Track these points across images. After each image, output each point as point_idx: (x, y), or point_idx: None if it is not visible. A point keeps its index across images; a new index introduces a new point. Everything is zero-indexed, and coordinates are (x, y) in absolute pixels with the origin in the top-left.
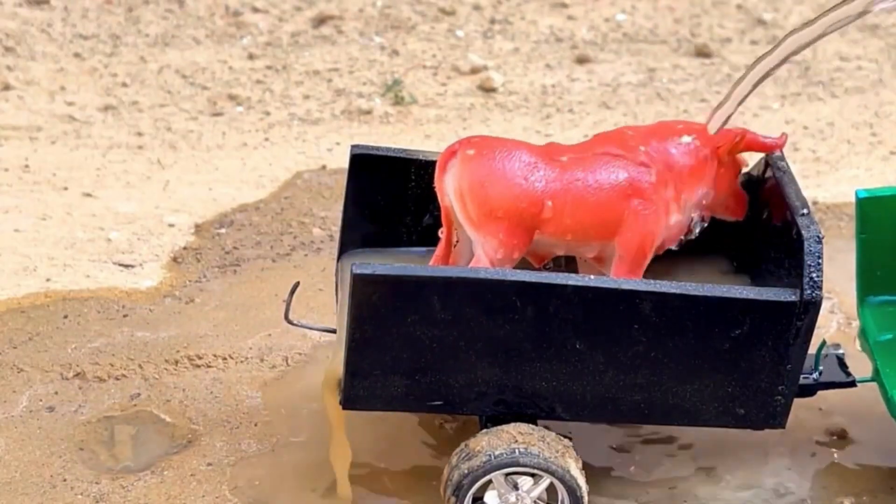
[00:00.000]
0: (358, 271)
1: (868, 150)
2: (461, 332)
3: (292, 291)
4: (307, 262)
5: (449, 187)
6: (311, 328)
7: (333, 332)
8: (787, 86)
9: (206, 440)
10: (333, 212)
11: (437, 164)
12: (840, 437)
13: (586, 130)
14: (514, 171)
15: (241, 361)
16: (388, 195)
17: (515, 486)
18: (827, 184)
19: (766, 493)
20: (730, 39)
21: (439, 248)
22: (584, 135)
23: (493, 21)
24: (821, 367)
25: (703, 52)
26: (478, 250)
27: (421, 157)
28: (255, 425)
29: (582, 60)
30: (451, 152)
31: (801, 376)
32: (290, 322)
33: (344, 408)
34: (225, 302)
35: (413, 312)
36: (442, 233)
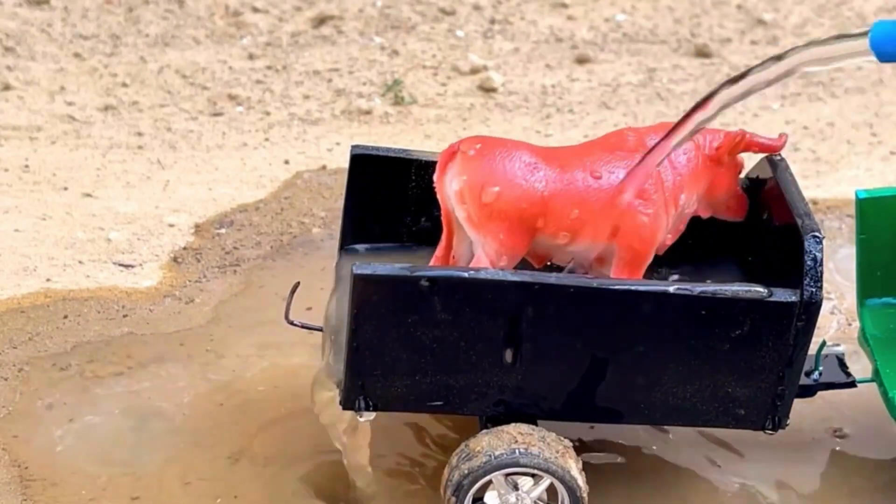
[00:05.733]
0: (358, 271)
1: (868, 150)
2: (461, 332)
3: (292, 291)
4: (307, 262)
5: (449, 188)
6: (310, 328)
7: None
8: (786, 86)
9: (207, 439)
10: (333, 212)
11: (438, 165)
12: (839, 437)
13: (586, 130)
14: (515, 172)
15: (242, 360)
16: (388, 195)
17: (516, 487)
18: (827, 184)
19: (766, 492)
20: (730, 39)
21: (439, 249)
22: (584, 135)
23: (493, 21)
24: (821, 368)
25: (703, 52)
26: (478, 251)
27: (421, 158)
28: (257, 423)
29: (582, 60)
30: (452, 152)
31: (801, 377)
32: (290, 322)
33: (344, 408)
34: (225, 302)
35: (413, 313)
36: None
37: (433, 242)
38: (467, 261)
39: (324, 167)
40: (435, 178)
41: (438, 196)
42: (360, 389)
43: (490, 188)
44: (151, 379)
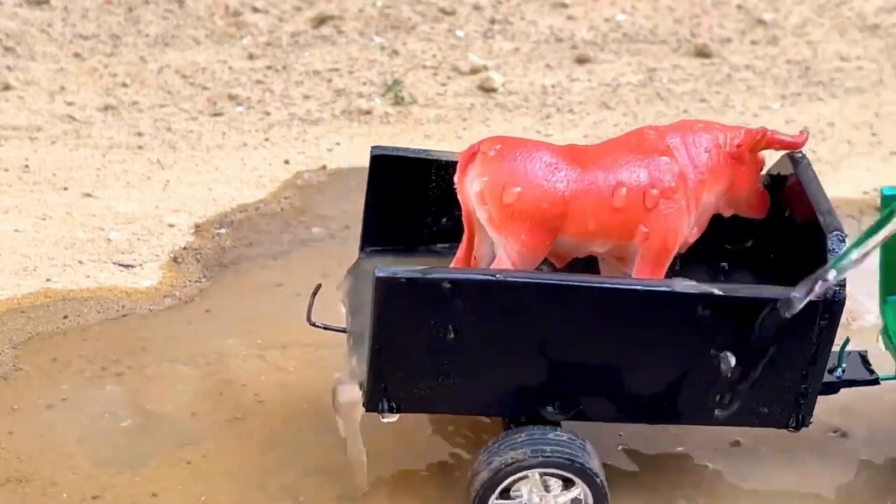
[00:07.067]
0: (380, 274)
1: (868, 150)
2: (484, 334)
3: (314, 293)
4: (307, 262)
5: (470, 189)
6: (332, 329)
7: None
8: (787, 86)
9: (207, 437)
10: (333, 211)
11: (458, 166)
12: (839, 437)
13: (586, 130)
14: (536, 172)
15: (241, 360)
16: (408, 196)
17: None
18: (827, 184)
19: (766, 491)
20: (730, 39)
21: (460, 250)
22: (584, 135)
23: (493, 21)
24: (844, 365)
25: (703, 52)
26: (500, 251)
27: (441, 158)
28: (256, 423)
29: (582, 60)
30: (472, 153)
31: (825, 374)
32: (311, 324)
33: (367, 410)
34: (225, 301)
35: (435, 315)
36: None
37: (453, 242)
38: (489, 261)
39: (324, 167)
40: (455, 178)
41: (459, 197)
42: (383, 392)
43: (511, 189)
44: (151, 379)
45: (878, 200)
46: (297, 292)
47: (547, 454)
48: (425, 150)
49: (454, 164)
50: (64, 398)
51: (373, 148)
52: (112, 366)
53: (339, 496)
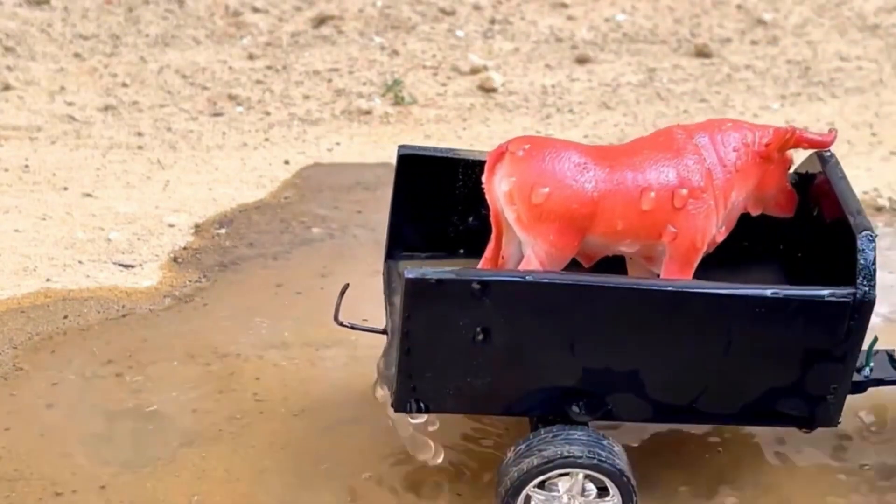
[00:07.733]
0: (410, 275)
1: (868, 151)
2: (512, 334)
3: (342, 293)
4: (307, 262)
5: (498, 188)
6: (360, 329)
7: (383, 332)
8: (787, 86)
9: (207, 437)
10: (333, 211)
11: (486, 166)
12: (840, 436)
13: (586, 130)
14: (565, 173)
15: (241, 360)
16: (434, 195)
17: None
18: None
19: (765, 490)
20: (730, 39)
21: (489, 250)
22: (584, 135)
23: (493, 21)
24: (871, 364)
25: (703, 52)
26: (528, 251)
27: (468, 157)
28: (255, 422)
29: (582, 60)
30: (500, 153)
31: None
32: (339, 323)
33: (396, 410)
34: (224, 301)
35: (464, 315)
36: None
37: (480, 242)
38: (517, 261)
39: (324, 167)
40: (483, 178)
41: (487, 197)
42: (411, 392)
43: (540, 189)
44: (151, 379)
45: (878, 200)
46: (297, 292)
47: (602, 458)
48: (452, 149)
49: (481, 163)
50: (64, 398)
51: (399, 147)
52: (112, 366)
53: (337, 494)
